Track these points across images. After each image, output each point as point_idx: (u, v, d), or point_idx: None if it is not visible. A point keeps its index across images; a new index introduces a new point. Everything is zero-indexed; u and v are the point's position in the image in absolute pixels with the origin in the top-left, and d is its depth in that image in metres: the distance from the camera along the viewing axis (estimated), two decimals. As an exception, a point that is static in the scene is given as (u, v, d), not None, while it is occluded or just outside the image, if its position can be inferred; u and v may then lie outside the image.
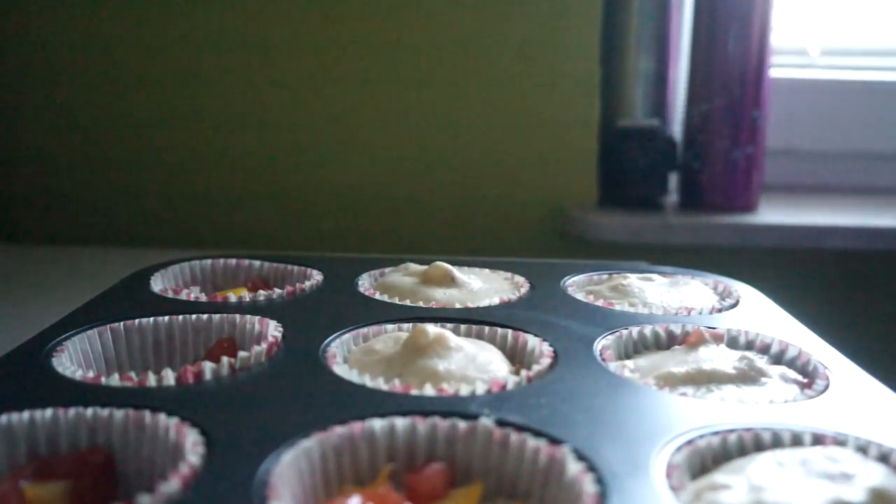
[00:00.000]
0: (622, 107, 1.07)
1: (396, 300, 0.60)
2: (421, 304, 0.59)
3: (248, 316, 0.54)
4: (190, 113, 1.04)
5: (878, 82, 1.18)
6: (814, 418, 0.41)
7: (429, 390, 0.43)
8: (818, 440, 0.38)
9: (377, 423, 0.38)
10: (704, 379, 0.46)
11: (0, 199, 1.05)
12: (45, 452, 0.39)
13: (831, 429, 0.39)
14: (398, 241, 1.05)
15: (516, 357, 0.51)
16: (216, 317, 0.55)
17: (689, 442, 0.38)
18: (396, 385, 0.43)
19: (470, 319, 0.55)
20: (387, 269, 0.69)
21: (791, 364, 0.50)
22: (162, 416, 0.39)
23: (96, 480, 0.38)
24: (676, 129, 1.09)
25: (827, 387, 0.46)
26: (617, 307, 0.60)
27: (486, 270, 0.69)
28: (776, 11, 1.01)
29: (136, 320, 0.53)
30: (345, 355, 0.50)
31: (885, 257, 1.06)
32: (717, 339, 0.53)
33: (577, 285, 0.68)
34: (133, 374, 0.45)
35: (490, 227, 1.05)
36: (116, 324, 0.53)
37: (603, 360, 0.49)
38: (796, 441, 0.38)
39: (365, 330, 0.53)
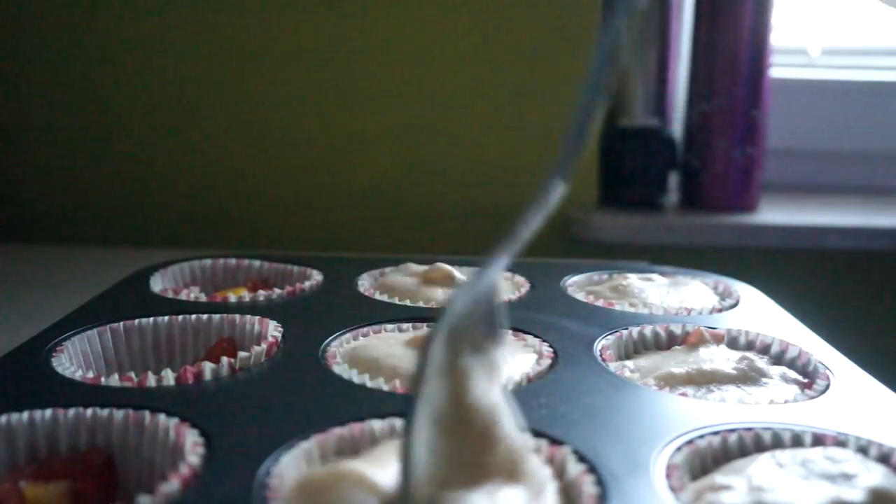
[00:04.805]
0: (622, 107, 1.07)
1: (396, 300, 0.60)
2: (421, 304, 0.59)
3: (248, 316, 0.54)
4: (189, 114, 1.04)
5: (878, 82, 1.18)
6: (814, 418, 0.41)
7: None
8: (819, 440, 0.38)
9: (377, 424, 0.38)
10: (705, 379, 0.46)
11: (0, 199, 1.05)
12: (45, 453, 0.39)
13: (832, 429, 0.39)
14: (398, 241, 1.05)
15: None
16: (216, 317, 0.55)
17: (690, 442, 0.38)
18: (396, 385, 0.43)
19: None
20: (387, 269, 0.69)
21: (791, 364, 0.50)
22: (162, 417, 0.39)
23: (96, 481, 0.38)
24: (676, 129, 1.09)
25: (827, 387, 0.46)
26: (617, 307, 0.60)
27: (486, 270, 0.69)
28: (776, 11, 1.01)
29: (136, 320, 0.53)
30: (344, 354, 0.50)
31: (886, 257, 1.06)
32: (718, 339, 0.53)
33: (577, 285, 0.68)
34: (133, 375, 0.45)
35: (490, 227, 1.05)
36: (116, 324, 0.53)
37: (603, 360, 0.49)
38: (797, 441, 0.38)
39: (365, 330, 0.53)
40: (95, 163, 1.05)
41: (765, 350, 0.52)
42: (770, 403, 0.43)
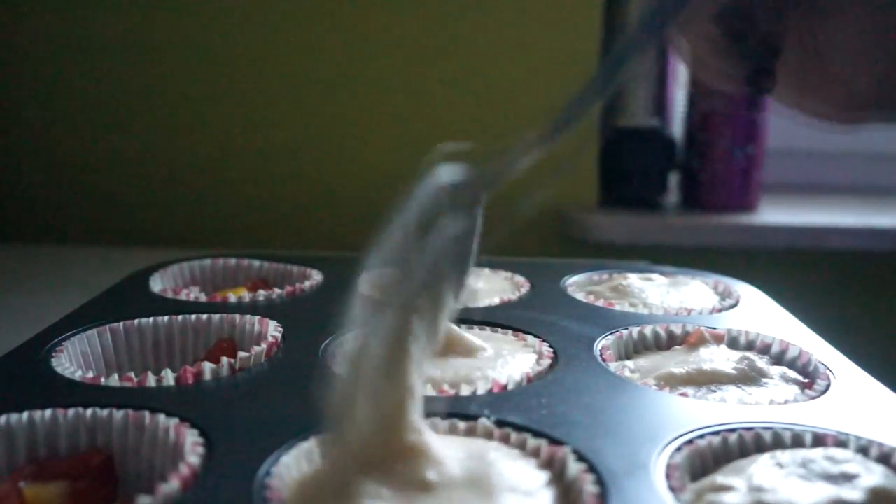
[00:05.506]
0: (622, 107, 1.07)
1: (396, 300, 0.60)
2: (421, 304, 0.59)
3: (248, 316, 0.54)
4: (190, 114, 1.04)
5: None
6: (815, 418, 0.41)
7: (429, 391, 0.43)
8: (819, 440, 0.38)
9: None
10: (705, 379, 0.46)
11: (0, 199, 1.05)
12: (45, 453, 0.39)
13: (832, 429, 0.39)
14: (398, 241, 1.05)
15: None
16: (216, 317, 0.55)
17: (690, 442, 0.38)
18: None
19: (470, 320, 0.55)
20: (387, 270, 0.69)
21: (791, 364, 0.50)
22: (161, 417, 0.39)
23: (95, 481, 0.38)
24: (676, 129, 1.09)
25: (827, 387, 0.45)
26: (617, 307, 0.60)
27: (486, 270, 0.69)
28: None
29: (136, 321, 0.53)
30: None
31: (886, 257, 1.06)
32: (718, 339, 0.53)
33: (577, 285, 0.68)
34: (132, 375, 0.45)
35: (490, 227, 1.05)
36: (116, 324, 0.53)
37: (603, 360, 0.49)
38: (797, 441, 0.38)
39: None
40: (96, 163, 1.05)
41: (765, 350, 0.52)
42: (770, 403, 0.43)
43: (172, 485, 0.32)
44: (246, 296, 0.61)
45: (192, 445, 0.36)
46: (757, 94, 0.40)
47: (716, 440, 0.38)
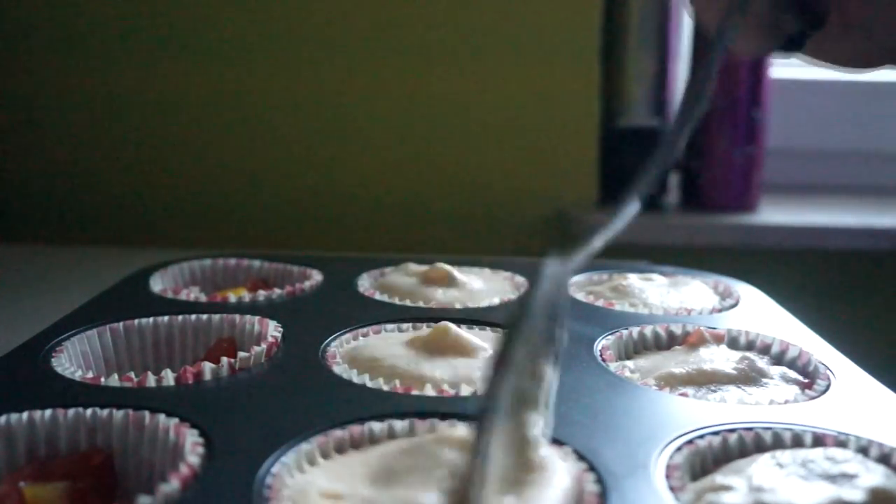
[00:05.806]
0: (622, 107, 1.07)
1: (396, 300, 0.60)
2: (421, 304, 0.59)
3: (248, 316, 0.54)
4: (190, 114, 1.04)
5: (879, 82, 1.18)
6: (815, 419, 0.41)
7: (429, 391, 0.43)
8: (819, 440, 0.38)
9: (376, 426, 0.38)
10: (705, 379, 0.46)
11: (0, 199, 1.05)
12: (45, 453, 0.39)
13: (832, 429, 0.39)
14: (398, 241, 1.05)
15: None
16: (216, 317, 0.55)
17: (690, 442, 0.38)
18: (397, 385, 0.43)
19: (470, 320, 0.55)
20: (387, 269, 0.69)
21: (792, 364, 0.50)
22: (161, 417, 0.39)
23: (95, 481, 0.38)
24: (676, 129, 1.09)
25: (828, 387, 0.46)
26: (617, 307, 0.60)
27: (487, 270, 0.69)
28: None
29: (136, 321, 0.53)
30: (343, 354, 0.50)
31: (886, 257, 1.06)
32: (718, 339, 0.53)
33: (577, 285, 0.67)
34: (132, 375, 0.45)
35: (490, 227, 1.05)
36: (116, 324, 0.53)
37: (603, 360, 0.49)
38: (797, 441, 0.38)
39: (365, 330, 0.53)
40: (96, 163, 1.05)
41: (765, 350, 0.52)
42: (770, 403, 0.43)
43: (172, 485, 0.32)
44: (246, 296, 0.61)
45: (192, 445, 0.36)
46: (785, 56, 0.40)
47: (716, 440, 0.38)
